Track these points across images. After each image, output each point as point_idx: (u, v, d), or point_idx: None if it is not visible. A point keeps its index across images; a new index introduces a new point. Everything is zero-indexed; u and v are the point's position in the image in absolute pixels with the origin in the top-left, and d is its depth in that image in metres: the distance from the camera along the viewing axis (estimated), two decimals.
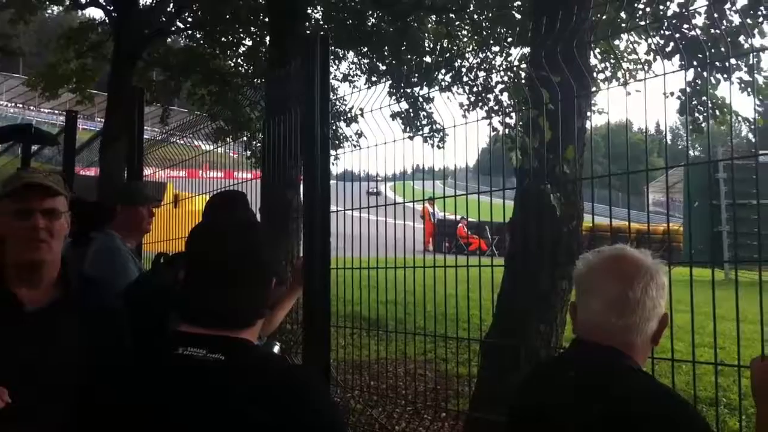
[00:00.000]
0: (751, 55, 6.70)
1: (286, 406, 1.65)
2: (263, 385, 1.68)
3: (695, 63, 6.83)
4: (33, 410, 2.25)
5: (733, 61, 7.75)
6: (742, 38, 7.60)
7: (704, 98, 8.36)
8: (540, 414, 1.97)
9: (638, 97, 3.67)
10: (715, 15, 6.90)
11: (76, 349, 2.35)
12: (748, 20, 7.35)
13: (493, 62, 14.46)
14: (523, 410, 2.08)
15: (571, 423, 1.85)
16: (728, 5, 7.15)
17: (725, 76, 7.67)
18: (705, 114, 8.52)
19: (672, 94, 8.03)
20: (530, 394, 2.11)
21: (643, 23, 6.46)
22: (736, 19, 7.56)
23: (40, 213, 2.38)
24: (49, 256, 2.42)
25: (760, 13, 7.43)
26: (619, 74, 10.18)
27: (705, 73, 7.73)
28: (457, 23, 14.87)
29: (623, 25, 5.72)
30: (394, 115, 13.25)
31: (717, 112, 7.70)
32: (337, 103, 14.32)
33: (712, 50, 7.53)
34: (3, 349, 2.26)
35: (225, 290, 1.79)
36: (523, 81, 5.09)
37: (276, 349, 3.39)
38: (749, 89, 8.10)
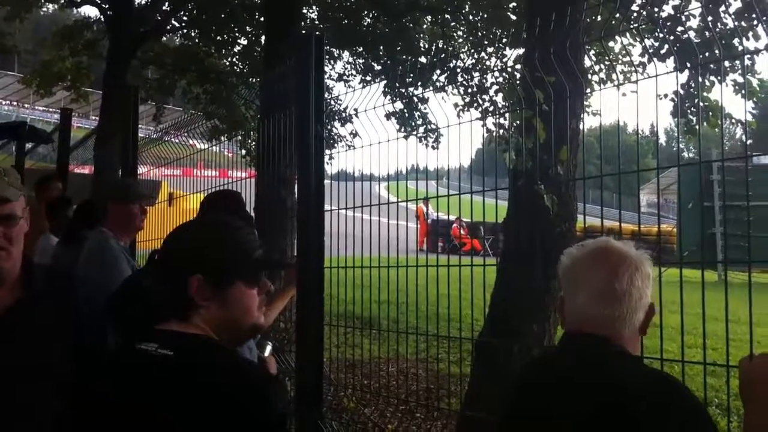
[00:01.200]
0: (744, 57, 6.72)
1: (231, 404, 1.66)
2: (207, 382, 1.70)
3: (688, 65, 6.84)
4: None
5: (726, 63, 7.78)
6: (736, 41, 7.63)
7: (696, 101, 8.38)
8: (536, 411, 1.97)
9: (633, 99, 3.68)
10: (709, 18, 6.93)
11: (40, 347, 2.34)
12: (743, 23, 7.36)
13: (488, 63, 14.47)
14: (518, 410, 2.07)
15: (567, 415, 1.85)
16: (722, 8, 7.17)
17: (719, 78, 7.69)
18: (698, 116, 8.54)
19: (666, 96, 8.07)
20: (524, 392, 2.10)
21: (636, 25, 6.48)
22: (730, 23, 7.59)
23: None
24: (9, 263, 2.34)
25: (754, 16, 7.45)
26: (614, 76, 10.22)
27: (699, 75, 7.75)
28: (452, 24, 14.88)
29: (617, 24, 5.74)
30: (388, 115, 13.27)
31: (710, 114, 7.71)
32: (332, 102, 14.32)
33: (706, 53, 7.56)
34: None
35: (157, 281, 1.90)
36: (517, 82, 5.11)
37: (269, 348, 3.39)
38: (743, 92, 8.12)
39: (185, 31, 16.72)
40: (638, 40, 8.22)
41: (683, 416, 1.78)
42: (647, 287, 2.00)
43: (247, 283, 1.92)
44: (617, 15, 5.27)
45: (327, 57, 14.48)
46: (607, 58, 8.91)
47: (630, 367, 1.93)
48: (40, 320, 2.39)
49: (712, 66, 7.28)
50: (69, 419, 1.80)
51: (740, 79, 8.21)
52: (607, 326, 1.96)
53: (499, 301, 5.11)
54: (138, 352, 1.74)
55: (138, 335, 1.79)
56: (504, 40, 13.28)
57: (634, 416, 1.77)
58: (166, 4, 15.77)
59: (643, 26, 7.36)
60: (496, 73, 11.90)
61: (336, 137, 15.30)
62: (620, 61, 10.09)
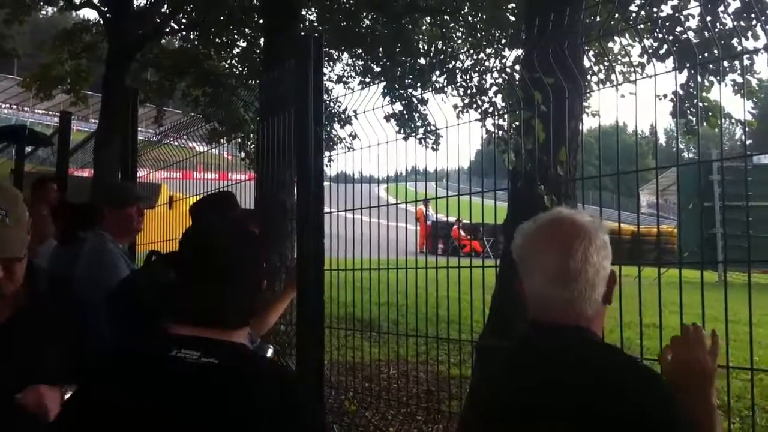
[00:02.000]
0: (744, 57, 6.72)
1: (277, 412, 1.65)
2: (255, 390, 1.68)
3: (687, 65, 6.84)
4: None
5: (725, 63, 7.79)
6: (735, 41, 7.63)
7: (696, 101, 8.38)
8: (512, 410, 1.91)
9: (632, 99, 3.68)
10: (708, 18, 6.93)
11: (44, 353, 2.34)
12: (742, 23, 7.37)
13: (487, 64, 14.49)
14: (493, 409, 2.00)
15: (543, 412, 1.81)
16: (721, 8, 7.18)
17: (718, 78, 7.69)
18: (697, 116, 8.55)
19: (665, 96, 8.07)
20: (498, 389, 2.03)
21: (635, 25, 6.47)
22: (729, 23, 7.59)
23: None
24: (12, 288, 2.31)
25: (753, 15, 7.45)
26: (613, 77, 10.21)
27: (698, 75, 7.76)
28: (451, 25, 14.88)
29: (616, 25, 5.72)
30: (388, 117, 13.28)
31: (710, 114, 7.71)
32: (332, 104, 14.32)
33: (705, 53, 7.56)
34: None
35: (223, 290, 1.80)
36: (516, 83, 5.10)
37: (269, 352, 3.39)
38: (742, 92, 8.13)
39: (184, 33, 16.73)
40: (637, 40, 8.23)
41: (653, 406, 1.75)
42: (605, 258, 1.91)
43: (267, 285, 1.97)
44: (616, 15, 5.26)
45: (326, 59, 14.47)
46: (606, 58, 8.90)
47: (602, 357, 1.89)
48: (44, 326, 2.39)
49: (711, 66, 7.29)
50: (92, 422, 1.70)
51: (739, 79, 8.22)
52: (567, 308, 1.88)
53: (499, 302, 5.11)
54: (176, 360, 1.68)
55: (172, 342, 1.74)
56: (503, 41, 13.30)
57: (603, 410, 1.73)
58: (165, 6, 15.77)
59: (642, 26, 7.35)
60: (495, 74, 11.92)
61: (335, 139, 15.31)
62: (619, 62, 10.09)
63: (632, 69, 8.09)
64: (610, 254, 1.94)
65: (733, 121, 8.62)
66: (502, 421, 1.92)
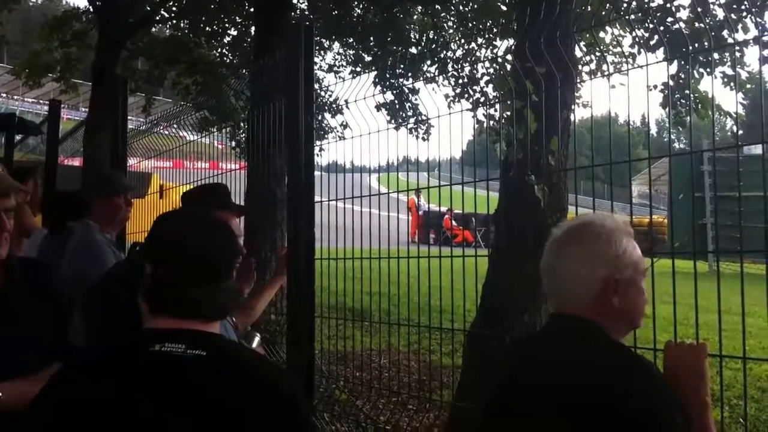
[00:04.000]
0: (735, 47, 6.73)
1: (266, 402, 1.66)
2: (243, 380, 1.68)
3: (678, 56, 6.85)
4: None
5: (716, 55, 7.80)
6: (725, 33, 7.65)
7: (687, 92, 8.39)
8: (518, 398, 1.98)
9: (623, 90, 3.68)
10: (699, 9, 6.93)
11: (22, 339, 2.34)
12: (732, 15, 7.38)
13: (478, 54, 14.45)
14: (501, 399, 2.08)
15: (547, 400, 1.86)
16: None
17: (707, 70, 7.71)
18: (687, 107, 8.57)
19: (655, 87, 8.08)
20: (507, 378, 2.12)
21: (627, 15, 6.47)
22: (720, 14, 7.60)
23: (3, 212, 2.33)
24: (4, 252, 2.36)
25: (743, 7, 7.46)
26: (604, 67, 10.22)
27: (688, 66, 7.77)
28: (442, 14, 14.84)
29: (608, 14, 5.74)
30: (379, 106, 13.24)
31: (699, 106, 7.73)
32: (322, 93, 14.27)
33: (696, 45, 7.57)
34: None
35: (207, 283, 1.80)
36: (507, 72, 5.10)
37: (257, 339, 3.38)
38: (732, 83, 8.15)
39: (174, 21, 16.60)
40: (628, 30, 8.23)
41: (653, 402, 1.79)
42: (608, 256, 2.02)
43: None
44: (608, 6, 5.27)
45: (317, 48, 14.42)
46: (597, 48, 8.90)
47: (601, 351, 1.94)
48: (21, 312, 2.38)
49: (701, 58, 7.30)
50: (74, 419, 1.66)
51: (729, 71, 8.24)
52: (586, 304, 1.99)
53: (490, 292, 5.11)
54: (160, 354, 1.68)
55: (152, 336, 1.73)
56: (494, 31, 13.27)
57: (604, 401, 1.79)
58: None
59: (633, 16, 7.35)
60: (487, 64, 11.91)
61: (326, 128, 15.27)
62: (610, 52, 10.09)
63: (623, 59, 8.11)
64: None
65: (722, 113, 8.64)
66: (516, 412, 1.97)
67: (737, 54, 8.24)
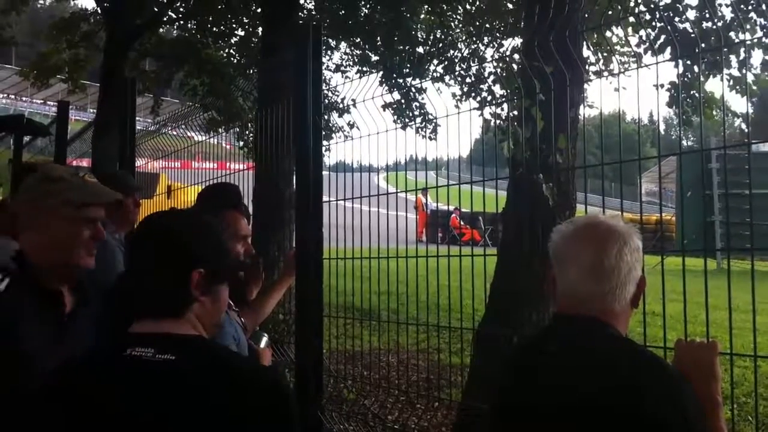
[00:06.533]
0: (745, 43, 6.71)
1: (241, 403, 1.65)
2: (214, 383, 1.67)
3: (686, 54, 6.85)
4: None
5: (724, 51, 7.80)
6: (732, 34, 7.65)
7: (693, 92, 8.39)
8: (527, 399, 1.97)
9: (631, 88, 3.69)
10: (707, 10, 6.94)
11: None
12: (740, 15, 7.38)
13: (485, 53, 14.45)
14: (509, 400, 2.07)
15: (558, 402, 1.86)
16: None
17: (714, 72, 7.71)
18: (693, 107, 8.57)
19: (662, 86, 8.08)
20: (512, 379, 2.11)
21: (636, 14, 6.46)
22: (728, 14, 7.60)
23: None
24: (93, 262, 2.45)
25: (750, 7, 7.47)
26: (611, 66, 10.21)
27: (696, 67, 7.76)
28: (449, 13, 14.83)
29: (615, 14, 5.72)
30: (385, 106, 13.25)
31: (704, 107, 7.74)
32: (329, 93, 14.28)
33: (703, 45, 7.56)
34: (47, 350, 2.20)
35: (151, 273, 1.82)
36: (514, 71, 5.09)
37: (264, 340, 3.38)
38: (738, 87, 8.14)
39: (182, 22, 16.64)
40: (635, 30, 8.22)
41: (662, 400, 1.79)
42: (637, 261, 2.02)
43: (228, 280, 1.94)
44: (616, 6, 5.26)
45: (324, 48, 14.43)
46: (605, 48, 8.88)
47: (620, 351, 1.94)
48: (89, 324, 2.42)
49: (709, 56, 7.29)
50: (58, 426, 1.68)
51: (736, 73, 8.23)
52: (597, 303, 1.98)
53: (498, 290, 5.11)
54: (131, 359, 1.67)
55: (123, 338, 1.74)
56: (501, 30, 13.27)
57: (618, 401, 1.78)
58: None
59: (640, 14, 7.35)
60: (494, 63, 11.91)
61: (333, 128, 15.28)
62: (617, 52, 10.08)
63: (631, 58, 8.10)
64: (642, 258, 2.05)
65: (729, 113, 8.63)
66: (523, 413, 1.97)
67: (744, 55, 8.23)
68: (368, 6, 14.63)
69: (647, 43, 7.76)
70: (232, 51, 16.75)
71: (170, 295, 1.82)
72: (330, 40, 15.36)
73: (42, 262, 2.31)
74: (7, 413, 1.87)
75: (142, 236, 1.91)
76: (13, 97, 59.57)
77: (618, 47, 10.17)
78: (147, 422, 1.61)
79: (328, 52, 16.02)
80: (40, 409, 1.71)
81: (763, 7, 7.63)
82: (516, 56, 5.30)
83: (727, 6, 7.47)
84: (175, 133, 6.92)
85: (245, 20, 15.75)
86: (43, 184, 2.37)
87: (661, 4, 7.97)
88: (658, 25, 7.83)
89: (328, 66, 16.42)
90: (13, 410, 1.80)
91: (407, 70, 14.44)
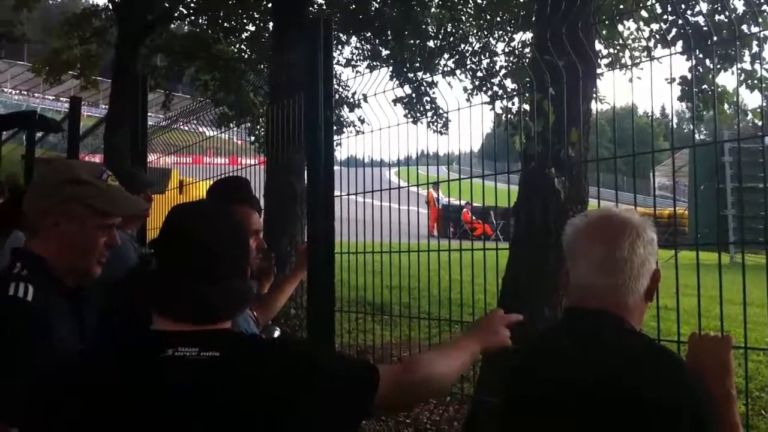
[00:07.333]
0: (755, 42, 6.69)
1: (294, 382, 1.65)
2: (263, 370, 1.66)
3: (699, 47, 6.81)
4: None
5: (735, 46, 7.77)
6: (744, 27, 7.61)
7: (704, 86, 8.35)
8: (539, 393, 1.95)
9: (643, 81, 3.66)
10: (719, 3, 6.91)
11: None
12: (753, 7, 7.35)
13: (496, 47, 14.42)
14: (521, 394, 2.06)
15: (570, 396, 1.85)
16: None
17: (727, 65, 7.67)
18: (705, 101, 8.54)
19: (674, 80, 8.06)
20: (522, 374, 2.10)
21: (650, 6, 6.43)
22: (740, 6, 7.57)
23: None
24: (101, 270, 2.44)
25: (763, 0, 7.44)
26: (623, 60, 10.18)
27: (708, 60, 7.73)
28: (460, 7, 14.80)
29: (627, 7, 5.70)
30: (396, 100, 13.24)
31: (716, 101, 7.71)
32: (340, 88, 14.28)
33: (715, 38, 7.53)
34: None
35: (213, 282, 1.73)
36: (526, 64, 5.07)
37: (276, 333, 3.39)
38: (748, 81, 8.10)
39: (193, 17, 16.67)
40: (647, 23, 8.18)
41: (675, 393, 1.78)
42: (651, 253, 1.99)
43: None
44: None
45: (335, 42, 14.42)
46: (617, 41, 8.85)
47: (632, 344, 1.93)
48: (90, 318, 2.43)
49: (719, 50, 7.26)
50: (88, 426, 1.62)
51: (747, 67, 8.19)
52: (610, 296, 1.96)
53: (509, 285, 5.10)
54: (173, 359, 1.63)
55: (163, 340, 1.68)
56: (512, 23, 13.23)
57: (631, 394, 1.77)
58: None
59: (653, 8, 7.31)
60: (505, 57, 11.87)
61: (344, 123, 15.29)
62: (629, 46, 10.05)
63: (644, 51, 8.07)
64: (656, 251, 2.02)
65: (741, 107, 8.61)
66: (535, 407, 1.95)
67: (757, 48, 8.19)
68: (379, 0, 14.61)
69: (662, 34, 7.74)
70: (242, 46, 16.78)
71: (236, 301, 1.82)
72: (341, 35, 15.36)
73: (56, 264, 2.30)
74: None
75: (178, 243, 1.79)
76: (25, 93, 59.81)
77: (630, 41, 10.14)
78: (207, 421, 1.59)
79: (339, 47, 16.02)
80: (66, 408, 1.66)
81: None
82: (527, 50, 5.28)
83: None
84: (186, 128, 6.93)
85: (256, 15, 15.77)
86: (69, 186, 2.31)
87: None
88: (670, 18, 7.79)
89: (338, 60, 16.43)
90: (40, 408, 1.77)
91: (418, 65, 14.42)
